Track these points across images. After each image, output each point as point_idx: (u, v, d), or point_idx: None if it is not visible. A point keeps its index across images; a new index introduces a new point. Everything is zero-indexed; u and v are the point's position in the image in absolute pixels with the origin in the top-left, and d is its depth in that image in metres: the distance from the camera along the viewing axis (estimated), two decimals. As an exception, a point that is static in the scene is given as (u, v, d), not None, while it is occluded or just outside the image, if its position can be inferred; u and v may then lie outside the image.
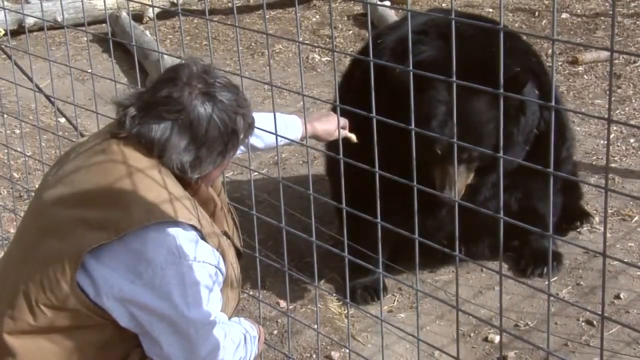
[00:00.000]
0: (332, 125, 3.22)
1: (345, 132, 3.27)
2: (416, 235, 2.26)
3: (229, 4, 8.99)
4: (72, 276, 2.32)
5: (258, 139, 3.05)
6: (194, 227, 2.37)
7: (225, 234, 2.65)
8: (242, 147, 3.08)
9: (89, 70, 3.43)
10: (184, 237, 2.34)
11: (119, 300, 2.33)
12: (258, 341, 2.67)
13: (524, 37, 4.25)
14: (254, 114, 2.59)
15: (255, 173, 4.47)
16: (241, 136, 2.46)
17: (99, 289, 2.33)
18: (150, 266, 2.31)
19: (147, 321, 2.35)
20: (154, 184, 2.37)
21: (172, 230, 2.33)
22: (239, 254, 2.73)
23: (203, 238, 2.40)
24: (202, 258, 2.36)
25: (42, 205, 2.50)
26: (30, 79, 4.46)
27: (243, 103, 2.46)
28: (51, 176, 2.56)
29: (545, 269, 4.06)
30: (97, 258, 2.32)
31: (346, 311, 3.82)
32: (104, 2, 3.26)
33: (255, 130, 2.77)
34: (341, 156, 2.42)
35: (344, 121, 3.23)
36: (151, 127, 2.38)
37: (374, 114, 2.23)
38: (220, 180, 2.81)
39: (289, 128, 3.12)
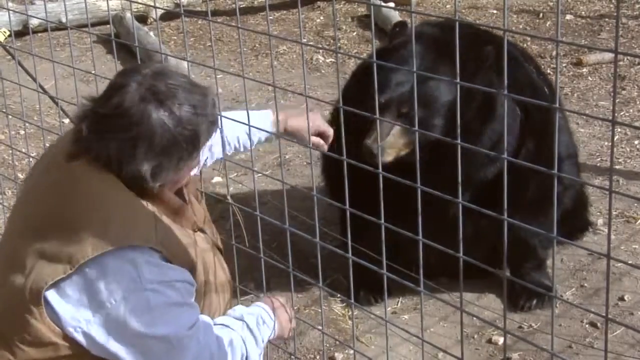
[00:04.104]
0: (308, 126, 2.86)
1: (318, 140, 3.18)
2: (420, 237, 2.25)
3: (233, 5, 9.00)
4: (39, 313, 2.27)
5: (231, 139, 3.03)
6: (153, 249, 2.31)
7: (202, 231, 2.61)
8: (214, 154, 3.03)
9: (94, 72, 3.42)
10: (143, 261, 2.28)
11: (86, 334, 2.29)
12: (275, 323, 2.63)
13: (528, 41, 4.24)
14: (227, 113, 2.53)
15: (259, 174, 4.48)
16: (202, 138, 2.34)
17: (65, 323, 2.28)
18: (112, 295, 2.25)
19: (117, 349, 2.31)
20: (109, 207, 2.30)
21: (131, 255, 2.27)
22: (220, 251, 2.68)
23: (165, 257, 2.34)
24: (166, 278, 2.31)
25: (9, 234, 2.46)
26: (34, 79, 4.47)
27: (202, 103, 2.33)
28: (21, 192, 2.55)
29: (536, 301, 3.88)
30: (58, 290, 2.28)
31: (350, 312, 3.82)
32: (107, 3, 3.24)
33: (226, 131, 2.69)
34: (344, 157, 2.42)
35: (327, 128, 3.18)
36: (107, 143, 2.28)
37: (377, 115, 2.23)
38: (194, 178, 2.72)
39: (259, 125, 2.99)
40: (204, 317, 2.47)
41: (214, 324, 2.51)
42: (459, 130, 2.03)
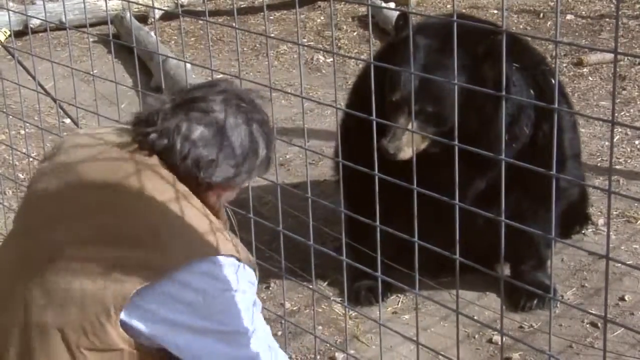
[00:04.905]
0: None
1: None
2: (416, 238, 2.26)
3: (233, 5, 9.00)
4: (116, 319, 2.25)
5: None
6: (233, 256, 2.35)
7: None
8: None
9: (92, 72, 3.43)
10: (229, 266, 2.32)
11: (168, 332, 2.29)
12: None
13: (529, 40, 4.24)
14: None
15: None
16: (258, 162, 2.44)
17: (146, 322, 2.28)
18: (200, 294, 2.28)
19: (201, 348, 2.33)
20: (186, 216, 2.33)
21: (216, 260, 2.31)
22: None
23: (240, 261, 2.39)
24: (247, 279, 2.37)
25: (52, 241, 2.36)
26: (34, 78, 4.47)
27: (269, 132, 2.47)
28: (48, 196, 2.45)
29: (537, 301, 3.86)
30: (139, 294, 2.26)
31: (350, 312, 3.82)
32: (105, 3, 3.25)
33: None
34: (340, 159, 2.42)
35: None
36: (179, 121, 2.35)
37: (374, 116, 2.23)
38: None
39: None
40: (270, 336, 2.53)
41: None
42: (456, 133, 2.03)
